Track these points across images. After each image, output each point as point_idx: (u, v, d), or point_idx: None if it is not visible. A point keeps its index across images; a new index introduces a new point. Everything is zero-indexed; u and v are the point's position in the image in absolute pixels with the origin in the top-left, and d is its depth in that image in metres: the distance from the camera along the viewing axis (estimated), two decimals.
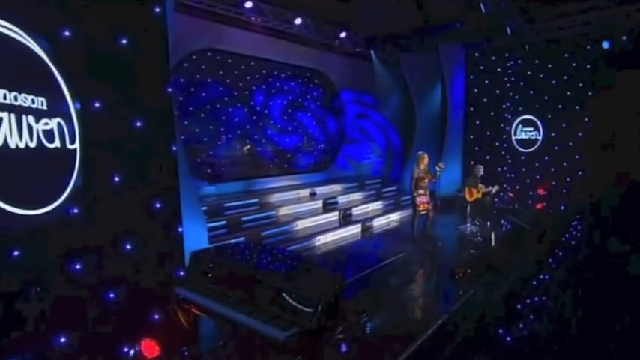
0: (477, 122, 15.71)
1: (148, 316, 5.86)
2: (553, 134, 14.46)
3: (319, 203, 12.26)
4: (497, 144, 15.52)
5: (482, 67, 15.35)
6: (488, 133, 15.62)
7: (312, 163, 15.32)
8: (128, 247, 5.72)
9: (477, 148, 15.68)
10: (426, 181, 10.12)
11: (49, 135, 4.68)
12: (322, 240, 10.59)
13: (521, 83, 14.81)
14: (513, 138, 15.21)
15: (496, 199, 14.06)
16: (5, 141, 4.25)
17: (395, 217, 13.27)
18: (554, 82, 14.15)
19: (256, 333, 4.60)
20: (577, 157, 13.95)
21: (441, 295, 7.75)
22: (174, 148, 6.41)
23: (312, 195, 12.69)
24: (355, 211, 12.65)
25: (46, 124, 4.65)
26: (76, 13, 5.06)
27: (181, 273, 6.27)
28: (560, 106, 14.16)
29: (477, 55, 15.28)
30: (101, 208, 5.40)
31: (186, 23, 10.24)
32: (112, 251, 5.53)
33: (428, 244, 10.17)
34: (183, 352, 5.41)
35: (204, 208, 9.79)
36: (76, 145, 5.06)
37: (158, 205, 6.13)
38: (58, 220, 4.88)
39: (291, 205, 11.71)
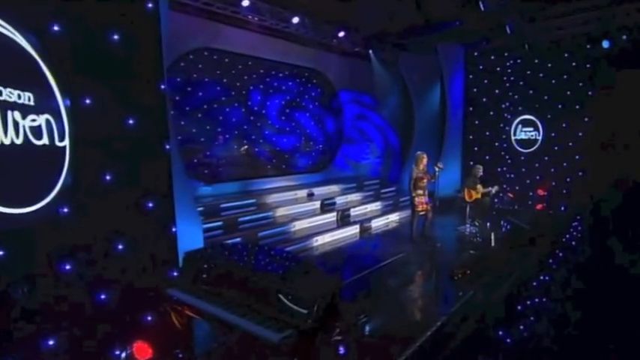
0: (477, 122, 15.59)
1: (140, 317, 5.75)
2: (553, 134, 14.36)
3: (317, 204, 12.13)
4: (496, 144, 15.41)
5: (481, 67, 15.25)
6: (487, 133, 15.51)
7: (310, 163, 15.20)
8: (120, 247, 5.62)
9: (476, 149, 15.56)
10: (425, 181, 9.99)
11: (36, 131, 4.58)
12: (320, 241, 10.46)
13: (521, 83, 14.71)
14: (513, 138, 15.10)
15: (496, 200, 13.95)
16: None
17: (394, 217, 13.14)
18: (554, 81, 14.07)
19: (251, 335, 4.51)
20: (577, 157, 13.86)
21: (440, 296, 7.65)
22: (167, 147, 6.32)
23: (310, 195, 12.57)
24: (353, 211, 12.53)
25: (34, 120, 4.54)
26: (66, 7, 4.96)
27: (175, 274, 6.14)
28: (560, 106, 14.06)
29: (476, 54, 15.17)
30: (92, 208, 5.30)
31: (182, 22, 10.13)
32: (103, 251, 5.44)
33: (427, 244, 10.04)
34: (176, 354, 5.27)
35: (201, 208, 9.67)
36: (66, 143, 4.95)
37: (151, 205, 6.03)
38: (47, 219, 4.78)
39: (289, 206, 11.57)
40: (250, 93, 13.37)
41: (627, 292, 7.43)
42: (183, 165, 8.89)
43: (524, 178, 14.91)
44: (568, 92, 13.86)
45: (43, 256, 4.76)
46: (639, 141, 12.04)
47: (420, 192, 9.99)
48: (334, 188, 13.74)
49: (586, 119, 13.61)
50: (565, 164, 14.09)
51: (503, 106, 15.18)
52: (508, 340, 6.23)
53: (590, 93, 13.47)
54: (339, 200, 12.98)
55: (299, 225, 10.86)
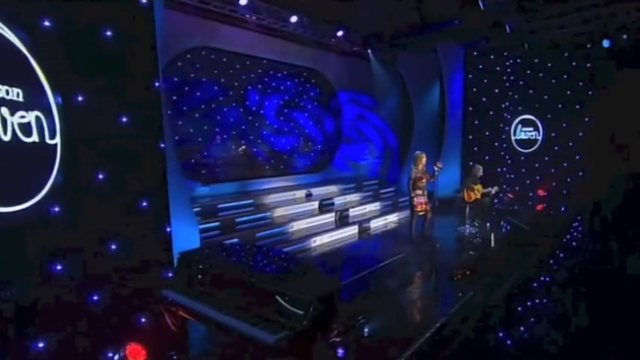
0: (476, 122, 15.48)
1: (133, 319, 5.65)
2: (553, 134, 14.30)
3: (315, 204, 12.04)
4: (496, 144, 15.33)
5: (480, 67, 15.17)
6: (487, 133, 15.42)
7: (309, 163, 15.11)
8: (113, 247, 5.52)
9: (475, 149, 15.45)
10: (424, 181, 9.89)
11: (25, 128, 4.48)
12: (318, 241, 10.36)
13: (521, 82, 14.64)
14: (513, 138, 15.03)
15: (495, 200, 13.86)
16: None
17: (393, 218, 13.05)
18: (554, 81, 14.02)
19: (246, 336, 4.42)
20: (577, 157, 13.81)
21: (440, 297, 7.58)
22: (162, 145, 6.21)
23: (308, 196, 12.49)
24: (352, 212, 12.43)
25: (23, 116, 4.44)
26: (57, 3, 4.86)
27: (170, 274, 6.04)
28: (560, 106, 14.02)
29: (475, 54, 15.08)
30: (84, 207, 5.20)
31: (179, 20, 10.07)
32: (95, 251, 5.34)
33: (426, 245, 9.95)
34: (170, 356, 5.18)
35: (198, 208, 9.60)
36: (57, 140, 4.85)
37: (145, 204, 5.92)
38: (37, 218, 4.68)
39: (287, 206, 11.47)
40: (248, 93, 13.28)
41: (628, 292, 7.35)
42: (179, 164, 8.82)
43: (524, 179, 14.84)
44: (568, 92, 13.82)
45: (33, 256, 4.65)
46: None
47: (419, 192, 9.89)
48: (333, 189, 13.65)
49: (586, 119, 13.57)
50: (565, 164, 14.04)
51: (503, 105, 15.11)
52: (508, 342, 6.13)
53: (590, 93, 13.44)
54: (338, 201, 12.90)
55: (297, 225, 10.77)
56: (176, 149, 10.48)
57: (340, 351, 5.25)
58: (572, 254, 10.25)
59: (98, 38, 5.33)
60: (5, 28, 4.35)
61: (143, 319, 5.67)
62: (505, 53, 14.71)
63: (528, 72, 14.43)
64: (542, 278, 8.68)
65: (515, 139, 15.00)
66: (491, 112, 15.28)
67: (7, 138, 4.28)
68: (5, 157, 4.34)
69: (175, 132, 11.12)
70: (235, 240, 9.07)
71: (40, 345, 4.61)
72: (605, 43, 12.66)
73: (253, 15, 11.46)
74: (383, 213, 13.19)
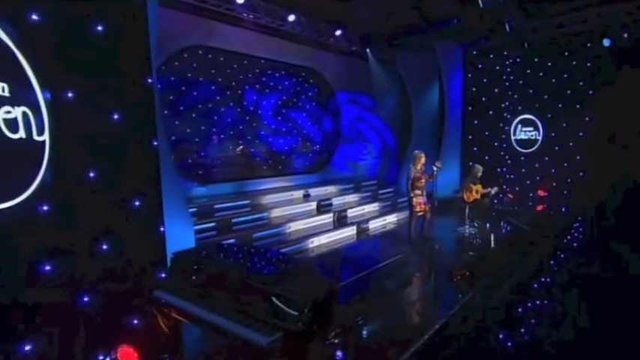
0: (476, 122, 15.38)
1: (125, 321, 5.53)
2: (553, 134, 14.19)
3: (313, 205, 11.93)
4: (496, 144, 15.22)
5: (480, 66, 15.08)
6: (487, 133, 15.31)
7: (307, 163, 15.02)
8: (104, 247, 5.40)
9: (475, 149, 15.35)
10: (423, 181, 9.79)
11: (11, 124, 4.36)
12: (316, 242, 10.25)
13: (521, 82, 14.54)
14: (513, 138, 14.93)
15: (495, 201, 13.76)
16: None
17: (391, 218, 12.94)
18: (554, 80, 13.92)
19: (239, 339, 4.31)
20: (578, 157, 13.69)
21: (439, 298, 7.46)
22: (155, 143, 6.08)
23: (306, 196, 12.38)
24: (350, 212, 12.31)
25: (8, 112, 4.33)
26: None
27: (163, 275, 5.91)
28: (560, 105, 13.91)
29: (474, 53, 14.99)
30: (74, 205, 5.08)
31: (174, 18, 9.96)
32: (86, 251, 5.22)
33: (425, 246, 9.84)
34: (163, 359, 5.04)
35: (194, 209, 9.53)
36: (45, 137, 4.73)
37: (138, 203, 5.80)
38: (25, 217, 4.57)
39: (284, 207, 11.38)
40: (246, 92, 13.18)
41: (629, 293, 7.30)
42: (173, 163, 8.73)
43: (524, 179, 14.73)
44: (568, 91, 13.71)
45: (21, 256, 4.53)
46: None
47: (418, 192, 9.79)
48: (331, 189, 13.56)
49: (587, 119, 13.46)
50: (566, 164, 13.93)
51: (503, 105, 15.01)
52: (508, 343, 6.03)
53: (590, 92, 13.32)
54: (336, 201, 12.80)
55: (295, 226, 10.66)
56: (173, 149, 10.49)
57: (337, 353, 5.14)
58: (573, 255, 10.14)
59: (89, 33, 5.20)
60: None
61: (135, 321, 5.56)
62: (505, 52, 14.61)
63: (528, 71, 14.32)
64: (542, 279, 8.59)
65: (515, 139, 14.89)
66: (490, 112, 15.18)
67: None
68: None
69: (172, 132, 11.10)
70: (232, 241, 8.96)
71: (27, 348, 4.48)
72: (606, 43, 12.59)
73: (251, 14, 11.37)
74: (382, 213, 13.08)
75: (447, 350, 5.66)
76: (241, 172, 12.87)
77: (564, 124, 13.89)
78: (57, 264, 4.83)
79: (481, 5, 10.94)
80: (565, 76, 13.71)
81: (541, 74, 14.10)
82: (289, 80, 14.41)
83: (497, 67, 14.88)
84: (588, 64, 13.31)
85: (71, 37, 5.02)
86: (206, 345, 5.30)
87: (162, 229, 6.20)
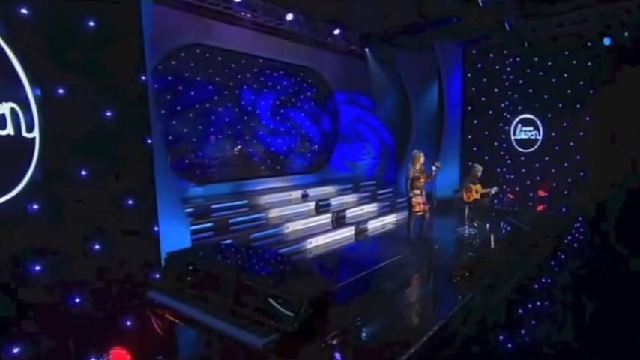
0: (475, 122, 15.30)
1: (118, 322, 5.41)
2: (553, 134, 14.12)
3: (311, 205, 11.81)
4: (496, 144, 15.14)
5: (480, 65, 15.01)
6: (486, 133, 15.23)
7: (305, 164, 14.92)
8: (97, 247, 5.30)
9: (475, 149, 15.26)
10: (422, 181, 9.67)
11: None
12: (314, 243, 10.12)
13: (521, 81, 14.48)
14: (513, 138, 14.85)
15: (495, 201, 13.66)
16: None
17: (390, 219, 12.81)
18: (554, 80, 13.86)
19: (234, 340, 4.24)
20: (578, 157, 13.62)
21: (438, 299, 7.36)
22: (149, 141, 5.98)
23: (305, 197, 12.28)
24: (349, 213, 12.20)
25: None
26: None
27: (157, 276, 5.81)
28: (560, 105, 13.86)
29: (474, 52, 14.92)
30: (65, 204, 4.98)
31: (171, 17, 9.88)
32: (78, 251, 5.12)
33: (424, 246, 9.73)
34: None
35: (190, 209, 9.44)
36: (35, 134, 4.63)
37: (131, 202, 5.70)
38: (14, 215, 4.46)
39: (282, 207, 11.25)
40: (244, 92, 13.08)
41: (629, 293, 7.22)
42: (169, 162, 8.64)
43: (524, 179, 14.66)
44: (568, 91, 13.66)
45: (9, 255, 4.42)
46: None
47: (418, 192, 9.68)
48: (330, 189, 13.45)
49: (587, 118, 13.39)
50: (566, 164, 13.86)
51: (503, 105, 14.94)
52: (509, 345, 5.93)
53: (591, 91, 13.25)
54: (335, 201, 12.68)
55: (292, 226, 10.53)
56: (169, 149, 10.40)
57: (334, 354, 5.02)
58: (574, 255, 10.05)
59: (80, 29, 5.11)
60: None
61: (128, 322, 5.44)
62: (504, 52, 14.55)
63: (528, 71, 14.26)
64: (543, 280, 8.50)
65: (515, 139, 14.82)
66: (490, 112, 15.10)
67: None
68: None
69: (169, 131, 11.01)
70: (228, 241, 8.86)
71: (16, 350, 4.37)
72: (606, 42, 12.53)
73: (248, 12, 11.28)
74: (381, 214, 12.96)
75: (447, 351, 5.57)
76: (239, 172, 12.75)
77: (564, 124, 13.82)
78: (47, 264, 4.74)
79: (480, 4, 10.85)
80: (565, 75, 13.64)
81: (541, 73, 14.03)
82: (287, 80, 14.31)
83: (497, 67, 14.80)
84: (588, 64, 13.25)
85: (62, 32, 4.93)
86: (201, 347, 5.18)
87: (156, 228, 6.11)
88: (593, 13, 12.20)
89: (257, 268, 5.44)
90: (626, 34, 12.20)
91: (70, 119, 5.00)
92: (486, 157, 14.78)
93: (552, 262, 9.51)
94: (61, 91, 4.89)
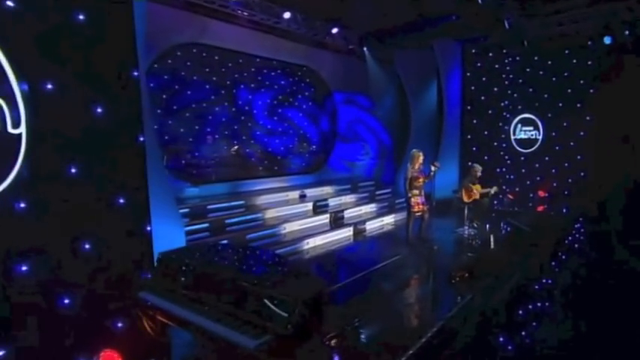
0: (475, 121, 15.17)
1: (108, 324, 5.28)
2: (554, 133, 14.02)
3: (309, 205, 11.69)
4: (495, 144, 15.03)
5: (479, 64, 14.90)
6: (486, 133, 15.11)
7: (303, 164, 14.83)
8: (87, 246, 5.17)
9: (474, 149, 15.12)
10: (421, 180, 9.56)
11: None
12: (311, 243, 10.01)
13: (520, 81, 14.38)
14: (512, 137, 14.75)
15: (495, 202, 13.53)
16: None
17: (389, 219, 12.68)
18: (554, 79, 13.77)
19: (226, 341, 4.12)
20: (579, 157, 13.52)
21: (437, 300, 7.24)
22: (141, 139, 5.84)
23: (302, 197, 12.15)
24: (347, 213, 12.07)
25: None
26: None
27: (149, 276, 5.68)
28: (560, 104, 13.77)
29: (473, 51, 14.82)
30: (54, 203, 4.85)
31: (166, 14, 9.77)
32: (66, 251, 4.98)
33: (423, 247, 9.62)
34: None
35: (186, 210, 9.34)
36: (22, 130, 4.50)
37: (122, 201, 5.56)
38: None
39: (279, 208, 11.13)
40: (241, 91, 12.98)
41: (631, 294, 7.15)
42: (165, 161, 8.52)
43: (524, 179, 14.56)
44: (569, 90, 13.57)
45: None
46: None
47: (416, 192, 9.56)
48: (328, 189, 13.34)
49: (588, 118, 13.31)
50: (566, 164, 13.78)
51: (502, 104, 14.83)
52: (509, 347, 5.83)
53: (591, 91, 13.15)
54: (333, 202, 12.55)
55: (290, 227, 10.41)
56: (165, 149, 10.30)
57: (333, 355, 4.93)
58: (574, 256, 9.95)
59: (70, 22, 4.98)
60: None
61: (119, 324, 5.32)
62: (504, 51, 14.44)
63: (528, 70, 14.17)
64: (543, 281, 8.40)
65: (515, 139, 14.71)
66: (490, 111, 14.99)
67: None
68: None
69: (165, 131, 10.91)
70: (224, 242, 8.74)
71: (1, 353, 4.24)
72: (607, 40, 12.42)
73: (245, 10, 11.18)
74: (379, 214, 12.84)
75: (446, 353, 5.48)
76: (236, 172, 12.66)
77: (565, 124, 13.73)
78: (34, 264, 4.61)
79: (480, 1, 10.75)
80: (565, 74, 13.55)
81: (541, 72, 13.94)
82: (285, 79, 14.22)
83: (497, 66, 14.69)
84: (589, 62, 13.17)
85: (51, 25, 4.80)
86: (193, 349, 5.07)
87: (149, 228, 5.97)
88: (594, 12, 12.08)
89: (250, 269, 5.34)
90: (627, 32, 12.07)
91: (58, 115, 4.86)
92: (486, 157, 14.65)
93: (553, 263, 9.41)
94: (49, 86, 4.76)
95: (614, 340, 5.74)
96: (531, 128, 14.37)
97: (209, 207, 10.03)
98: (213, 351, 4.65)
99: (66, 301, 4.92)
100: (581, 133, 13.45)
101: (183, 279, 5.07)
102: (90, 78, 5.17)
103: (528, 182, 14.44)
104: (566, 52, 13.42)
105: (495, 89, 14.79)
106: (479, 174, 11.05)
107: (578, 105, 13.41)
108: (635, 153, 11.80)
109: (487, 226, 11.46)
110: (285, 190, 12.36)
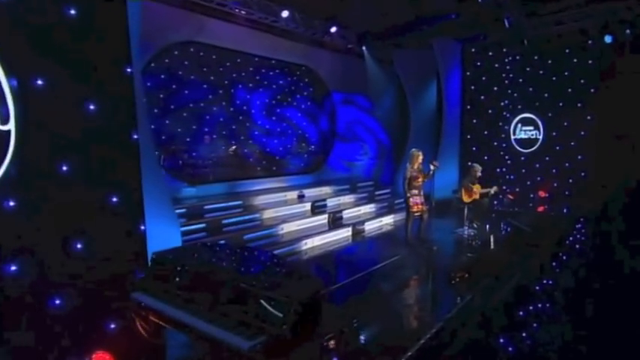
0: (474, 121, 15.09)
1: (101, 325, 5.17)
2: (554, 133, 13.92)
3: (307, 206, 11.60)
4: (495, 144, 14.92)
5: (479, 64, 14.82)
6: (486, 133, 15.01)
7: (302, 164, 14.75)
8: (79, 246, 5.07)
9: (474, 149, 15.04)
10: (420, 180, 9.47)
11: None
12: (309, 244, 9.92)
13: (520, 80, 14.28)
14: (512, 137, 14.65)
15: (495, 202, 13.44)
16: None
17: (388, 220, 12.60)
18: (554, 78, 13.67)
19: (219, 342, 4.02)
20: (579, 157, 13.43)
21: (437, 301, 7.17)
22: (135, 137, 5.75)
23: (301, 197, 12.07)
24: (346, 214, 11.99)
25: None
26: None
27: (143, 276, 5.57)
28: (561, 104, 13.67)
29: (473, 50, 14.74)
30: (45, 201, 4.75)
31: (163, 12, 9.68)
32: (57, 251, 4.88)
33: (423, 247, 9.52)
34: None
35: (183, 210, 9.29)
36: (10, 127, 4.40)
37: (115, 200, 5.47)
38: None
39: (277, 208, 11.05)
40: (238, 91, 12.88)
41: (632, 295, 7.05)
42: (161, 161, 8.43)
43: (524, 179, 14.45)
44: (569, 89, 13.47)
45: None
46: None
47: (415, 192, 9.47)
48: (326, 190, 13.26)
49: (588, 117, 13.21)
50: (567, 164, 13.67)
51: (502, 104, 14.73)
52: (509, 348, 5.73)
53: (592, 90, 13.06)
54: (332, 202, 12.47)
55: (287, 227, 10.33)
56: (162, 148, 10.20)
57: (327, 357, 4.87)
58: (575, 257, 9.86)
59: (61, 17, 4.89)
60: None
61: (111, 325, 5.21)
62: (504, 50, 14.35)
63: (528, 69, 14.07)
64: (543, 281, 8.31)
65: (515, 139, 14.61)
66: (490, 111, 14.90)
67: None
68: None
69: (162, 131, 10.81)
70: (222, 242, 8.65)
71: None
72: (607, 39, 12.33)
73: (243, 9, 11.13)
74: (378, 215, 12.75)
75: (446, 354, 5.42)
76: (234, 172, 12.58)
77: (565, 123, 13.64)
78: (24, 264, 4.51)
79: (479, 0, 10.68)
80: (566, 73, 13.45)
81: (541, 72, 13.84)
82: (283, 79, 14.12)
83: (497, 65, 14.60)
84: (590, 62, 13.07)
85: (41, 20, 4.70)
86: (186, 350, 4.98)
87: (143, 227, 5.87)
88: (594, 11, 12.02)
89: (245, 268, 5.25)
90: (627, 31, 12.00)
91: (49, 112, 4.77)
92: (486, 157, 14.55)
93: (553, 264, 9.32)
94: (39, 82, 4.67)
95: (615, 340, 5.67)
96: (531, 128, 14.27)
97: (206, 207, 9.97)
98: (206, 352, 4.54)
99: (57, 301, 4.83)
100: (582, 133, 13.36)
101: (177, 279, 4.97)
102: (82, 74, 5.09)
103: (528, 182, 14.33)
104: (567, 51, 13.32)
105: (495, 89, 14.69)
106: (479, 174, 10.97)
107: (579, 104, 13.31)
108: (635, 152, 11.71)
109: (487, 226, 11.39)
110: (284, 191, 12.29)
